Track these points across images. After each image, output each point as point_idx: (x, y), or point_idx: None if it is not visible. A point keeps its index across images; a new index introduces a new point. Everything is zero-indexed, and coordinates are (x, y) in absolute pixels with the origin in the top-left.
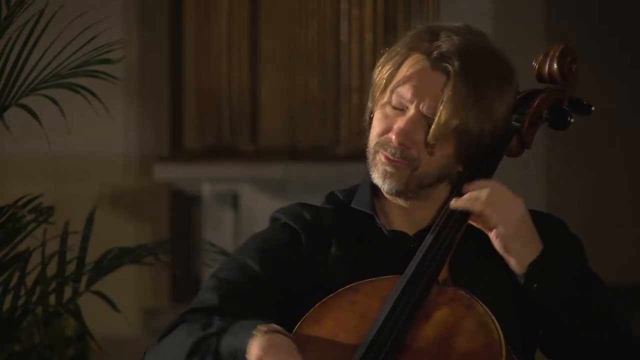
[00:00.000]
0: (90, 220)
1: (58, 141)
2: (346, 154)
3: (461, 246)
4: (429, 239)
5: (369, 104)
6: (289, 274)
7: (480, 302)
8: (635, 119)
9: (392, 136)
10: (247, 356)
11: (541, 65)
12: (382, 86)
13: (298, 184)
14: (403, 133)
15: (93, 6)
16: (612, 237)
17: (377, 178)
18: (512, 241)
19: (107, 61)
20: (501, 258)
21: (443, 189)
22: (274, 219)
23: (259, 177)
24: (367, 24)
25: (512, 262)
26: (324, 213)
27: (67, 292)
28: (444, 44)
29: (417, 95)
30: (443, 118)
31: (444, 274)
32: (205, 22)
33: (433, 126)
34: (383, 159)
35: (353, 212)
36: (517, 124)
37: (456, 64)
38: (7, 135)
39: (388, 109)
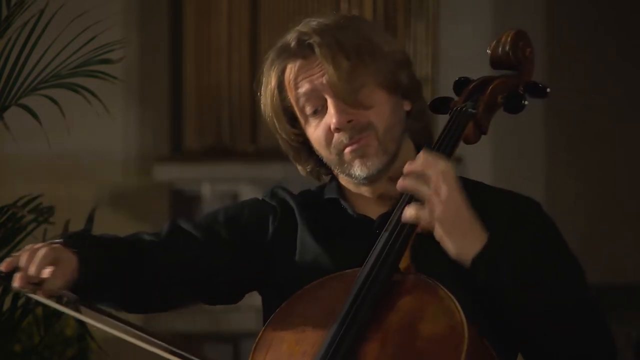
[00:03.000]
0: (90, 220)
1: (58, 141)
2: None
3: (424, 234)
4: (387, 227)
5: (282, 137)
6: (260, 238)
7: (442, 287)
8: (635, 119)
9: (335, 127)
10: None
11: (494, 51)
12: (285, 114)
13: (298, 184)
14: (339, 113)
15: (93, 6)
16: (612, 237)
17: (357, 171)
18: (448, 235)
19: (107, 61)
20: None
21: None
22: (252, 199)
23: (258, 177)
24: None
25: (454, 256)
26: (297, 199)
27: None
28: (294, 35)
29: (317, 86)
30: (335, 78)
31: (405, 261)
32: (205, 22)
33: (339, 89)
34: (349, 150)
35: (324, 202)
36: (473, 111)
37: (314, 36)
38: (7, 135)
39: (312, 121)
